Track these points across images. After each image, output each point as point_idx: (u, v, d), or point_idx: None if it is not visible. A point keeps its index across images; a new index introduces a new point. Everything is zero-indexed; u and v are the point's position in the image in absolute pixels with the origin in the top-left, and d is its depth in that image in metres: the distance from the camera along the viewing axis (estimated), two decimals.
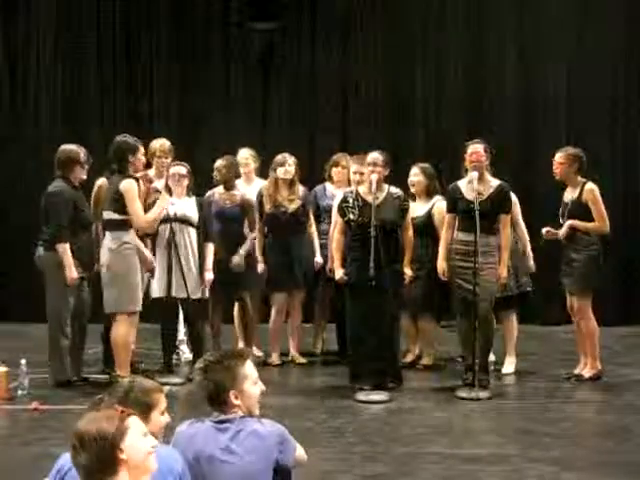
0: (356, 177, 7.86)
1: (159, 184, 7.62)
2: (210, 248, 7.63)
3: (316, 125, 10.63)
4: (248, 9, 10.47)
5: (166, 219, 7.43)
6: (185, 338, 8.19)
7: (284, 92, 10.70)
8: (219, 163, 8.10)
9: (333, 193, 8.26)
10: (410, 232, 7.31)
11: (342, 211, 7.28)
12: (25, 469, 5.18)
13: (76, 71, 10.74)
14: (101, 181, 7.56)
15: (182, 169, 7.65)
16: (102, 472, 2.69)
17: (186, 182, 7.63)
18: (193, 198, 7.69)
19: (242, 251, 7.95)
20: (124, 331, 7.03)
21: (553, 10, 10.38)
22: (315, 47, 10.66)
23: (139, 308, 7.10)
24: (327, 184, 8.40)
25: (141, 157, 7.29)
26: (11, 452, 5.68)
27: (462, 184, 7.25)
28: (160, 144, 8.10)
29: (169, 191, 7.57)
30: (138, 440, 2.75)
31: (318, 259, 8.12)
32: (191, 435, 3.36)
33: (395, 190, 7.30)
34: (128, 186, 6.98)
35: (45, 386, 7.14)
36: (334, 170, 8.33)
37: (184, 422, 3.45)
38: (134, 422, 2.78)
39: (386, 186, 7.27)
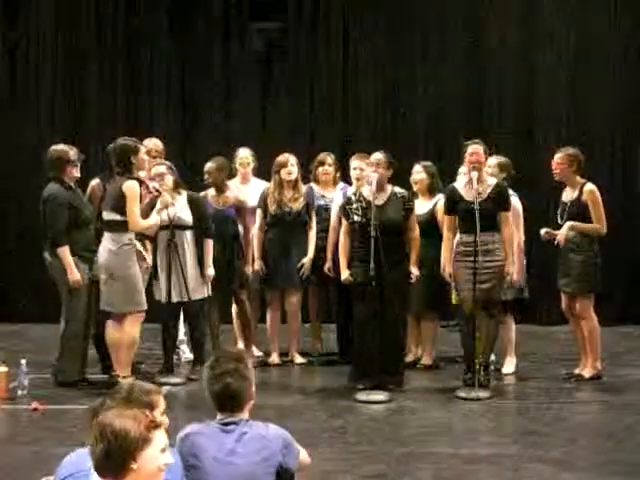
0: (356, 173, 7.89)
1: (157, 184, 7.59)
2: (209, 244, 7.64)
3: (316, 125, 10.63)
4: (248, 9, 10.49)
5: (165, 225, 7.42)
6: (185, 338, 8.20)
7: (284, 92, 10.70)
8: (209, 165, 8.09)
9: (321, 194, 8.25)
10: (416, 232, 7.31)
11: (346, 213, 7.28)
12: (25, 469, 5.19)
13: (76, 71, 10.73)
14: (94, 182, 7.56)
15: (161, 167, 7.55)
16: (109, 470, 2.64)
17: (170, 179, 7.55)
18: (184, 195, 7.65)
19: (255, 255, 8.02)
20: (132, 331, 7.04)
21: (553, 10, 10.38)
22: (315, 47, 10.66)
23: (145, 307, 7.11)
24: (313, 185, 8.36)
25: (144, 156, 7.29)
26: (11, 452, 5.68)
27: (459, 186, 7.26)
28: (154, 143, 8.03)
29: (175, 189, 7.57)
30: (155, 454, 2.68)
31: (307, 257, 8.04)
32: (196, 436, 3.37)
33: (400, 190, 7.31)
34: (131, 187, 6.97)
35: (45, 386, 7.14)
36: (319, 170, 8.32)
37: (190, 424, 3.45)
38: (159, 436, 2.71)
39: (389, 187, 7.28)
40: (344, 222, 7.36)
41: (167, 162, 7.71)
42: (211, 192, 8.09)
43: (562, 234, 7.28)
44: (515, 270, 7.24)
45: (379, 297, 6.84)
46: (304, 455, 3.50)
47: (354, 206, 7.23)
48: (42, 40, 10.73)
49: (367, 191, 7.24)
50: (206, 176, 8.07)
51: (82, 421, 3.07)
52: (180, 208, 7.55)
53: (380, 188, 7.18)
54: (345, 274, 7.27)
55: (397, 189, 7.30)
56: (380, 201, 7.15)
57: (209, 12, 10.69)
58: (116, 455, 2.62)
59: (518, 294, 7.65)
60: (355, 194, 7.37)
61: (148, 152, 7.85)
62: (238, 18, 10.59)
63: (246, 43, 10.62)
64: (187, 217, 7.57)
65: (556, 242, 7.32)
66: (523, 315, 8.02)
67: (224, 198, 8.06)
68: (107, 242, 7.03)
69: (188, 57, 10.68)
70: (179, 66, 10.71)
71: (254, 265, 8.08)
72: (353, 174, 7.98)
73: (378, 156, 7.27)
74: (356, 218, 7.19)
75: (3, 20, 10.76)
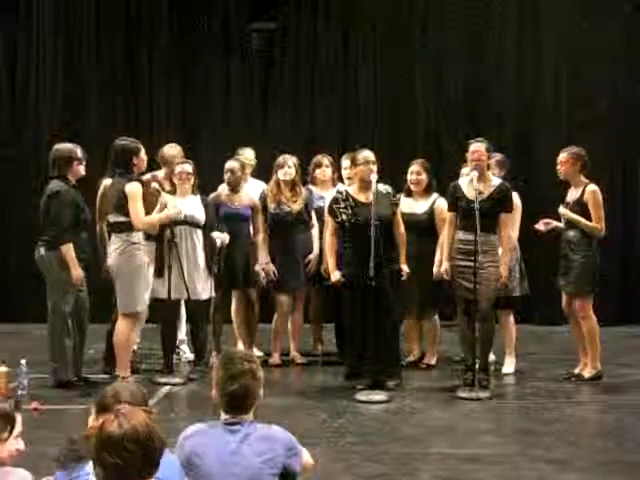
0: (347, 172, 7.88)
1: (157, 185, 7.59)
2: (214, 241, 7.65)
3: (316, 125, 10.63)
4: (248, 9, 10.49)
5: (166, 224, 7.42)
6: (185, 338, 8.19)
7: (284, 92, 10.70)
8: (233, 165, 8.07)
9: (320, 195, 8.24)
10: (402, 228, 7.29)
11: (333, 213, 7.26)
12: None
13: (76, 71, 10.73)
14: (107, 182, 7.53)
15: (188, 167, 7.67)
16: (149, 474, 2.59)
17: (192, 180, 7.65)
18: (198, 196, 7.70)
19: (262, 259, 7.99)
20: (126, 331, 7.05)
21: (553, 9, 10.38)
22: (315, 47, 10.66)
23: (143, 309, 7.11)
24: (311, 186, 8.35)
25: (144, 157, 7.31)
26: None
27: (463, 183, 7.24)
28: (178, 150, 8.03)
29: (174, 191, 7.58)
30: None
31: (314, 253, 8.07)
32: (200, 436, 3.36)
33: (382, 187, 7.27)
34: (133, 188, 7.01)
35: (45, 386, 7.14)
36: (317, 171, 8.32)
37: (193, 424, 3.45)
38: None
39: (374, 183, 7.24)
40: (331, 222, 7.30)
41: (191, 162, 7.73)
42: (225, 191, 8.09)
43: (563, 213, 7.31)
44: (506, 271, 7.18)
45: (372, 296, 6.82)
46: (308, 457, 3.49)
47: (342, 205, 7.21)
48: (42, 40, 10.74)
49: (354, 189, 7.23)
50: (228, 174, 8.04)
51: (80, 422, 3.04)
52: (195, 207, 7.60)
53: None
54: (336, 275, 7.22)
55: (380, 185, 7.26)
56: (368, 198, 7.11)
57: (209, 12, 10.69)
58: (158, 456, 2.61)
59: (507, 292, 7.53)
60: (342, 193, 7.34)
61: (169, 158, 7.87)
62: (238, 18, 10.60)
63: (246, 43, 10.63)
64: (201, 216, 7.61)
65: (554, 225, 7.34)
66: (520, 312, 8.01)
67: (238, 198, 8.06)
68: (114, 243, 7.08)
69: (188, 57, 10.68)
70: (179, 66, 10.71)
71: (265, 268, 8.07)
72: (344, 174, 7.98)
73: (368, 153, 7.21)
74: (344, 217, 7.16)
75: (3, 20, 10.77)
